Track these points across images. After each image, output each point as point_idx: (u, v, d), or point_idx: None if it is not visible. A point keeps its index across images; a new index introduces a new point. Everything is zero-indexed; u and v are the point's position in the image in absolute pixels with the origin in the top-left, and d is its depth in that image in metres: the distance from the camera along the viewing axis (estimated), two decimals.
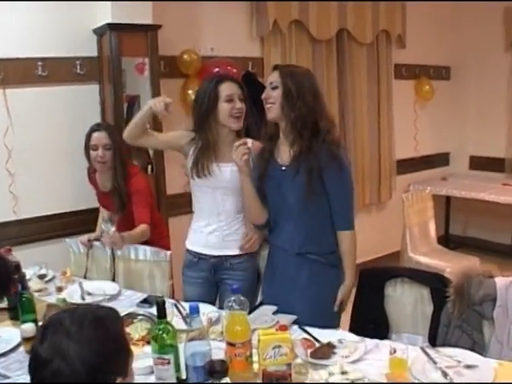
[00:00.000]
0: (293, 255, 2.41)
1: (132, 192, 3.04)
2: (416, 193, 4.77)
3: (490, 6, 5.54)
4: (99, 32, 3.52)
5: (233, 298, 1.83)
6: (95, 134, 3.04)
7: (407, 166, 5.74)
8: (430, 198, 4.76)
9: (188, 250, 2.74)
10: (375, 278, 2.53)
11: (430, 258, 4.46)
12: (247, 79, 4.13)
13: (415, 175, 5.84)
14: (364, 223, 5.19)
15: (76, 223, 3.55)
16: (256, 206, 2.47)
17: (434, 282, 2.36)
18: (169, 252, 2.90)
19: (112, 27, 3.39)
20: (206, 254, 2.67)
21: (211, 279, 2.70)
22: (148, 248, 2.96)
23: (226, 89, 2.52)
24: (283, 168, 2.39)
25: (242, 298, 1.85)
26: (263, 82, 4.24)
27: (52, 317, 1.31)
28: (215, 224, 2.63)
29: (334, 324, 2.36)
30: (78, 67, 3.51)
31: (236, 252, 2.64)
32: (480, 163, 6.00)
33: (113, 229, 2.86)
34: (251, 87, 4.05)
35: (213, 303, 2.65)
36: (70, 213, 3.58)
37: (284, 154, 2.42)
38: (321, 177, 2.30)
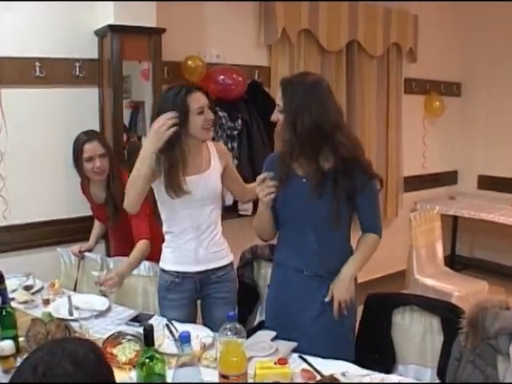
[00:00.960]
0: (310, 277, 2.28)
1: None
2: (424, 212, 4.68)
3: (503, 20, 5.48)
4: (100, 33, 3.45)
5: (228, 326, 1.69)
6: (87, 146, 2.95)
7: (414, 183, 5.69)
8: (438, 218, 4.68)
9: (166, 271, 2.56)
10: (382, 304, 2.41)
11: (436, 280, 4.35)
12: (253, 88, 4.09)
13: (422, 193, 5.78)
14: None
15: (69, 231, 3.46)
16: (270, 227, 2.39)
17: (446, 312, 2.23)
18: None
19: (114, 29, 3.32)
20: (190, 272, 2.52)
21: (195, 297, 2.59)
22: (144, 261, 2.86)
23: (197, 100, 2.38)
24: (304, 180, 2.25)
25: (237, 325, 1.71)
26: (269, 92, 4.19)
27: (27, 359, 1.16)
28: (196, 238, 2.51)
29: (347, 354, 2.20)
30: (78, 69, 3.44)
31: (222, 263, 2.56)
32: (489, 183, 5.92)
33: (104, 273, 2.69)
34: (257, 97, 4.07)
35: (194, 321, 2.55)
36: (63, 220, 3.49)
37: (304, 164, 2.27)
38: (354, 197, 2.22)
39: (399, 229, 5.23)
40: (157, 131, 2.28)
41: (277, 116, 2.25)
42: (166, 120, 2.28)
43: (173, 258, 2.54)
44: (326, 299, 2.23)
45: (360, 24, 4.79)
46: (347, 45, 4.77)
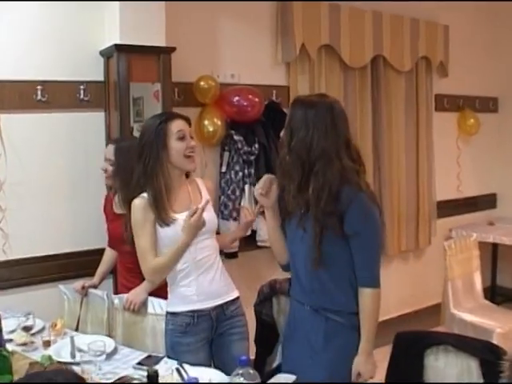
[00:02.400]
0: (309, 311, 2.32)
1: None
2: (460, 240, 4.59)
3: None
4: (106, 54, 3.47)
5: (241, 371, 1.65)
6: (108, 147, 3.12)
7: (449, 208, 5.63)
8: (475, 246, 4.58)
9: (178, 314, 2.56)
10: (414, 343, 2.34)
11: (475, 315, 4.24)
12: (270, 110, 4.10)
13: (458, 219, 5.72)
14: (399, 272, 5.10)
15: (73, 266, 3.45)
16: (280, 248, 2.49)
17: (485, 353, 2.15)
18: None
19: (120, 49, 3.34)
20: (205, 309, 2.54)
21: (211, 337, 2.59)
22: (152, 299, 2.85)
23: (177, 126, 2.51)
24: (302, 210, 2.29)
25: (251, 370, 1.67)
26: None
27: None
28: (205, 273, 2.54)
29: None
30: (82, 92, 3.45)
31: (233, 296, 2.62)
32: None
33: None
34: (275, 119, 4.06)
35: (210, 365, 2.56)
36: (67, 254, 3.47)
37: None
38: (341, 221, 2.20)
39: (433, 259, 5.19)
40: (196, 226, 2.41)
41: (282, 133, 2.33)
42: (200, 213, 2.39)
43: (186, 298, 2.55)
44: (353, 379, 2.25)
45: (385, 37, 4.78)
46: (372, 60, 4.76)
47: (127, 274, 3.12)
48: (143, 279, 2.81)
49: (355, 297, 2.28)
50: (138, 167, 2.49)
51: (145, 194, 2.47)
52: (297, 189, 2.24)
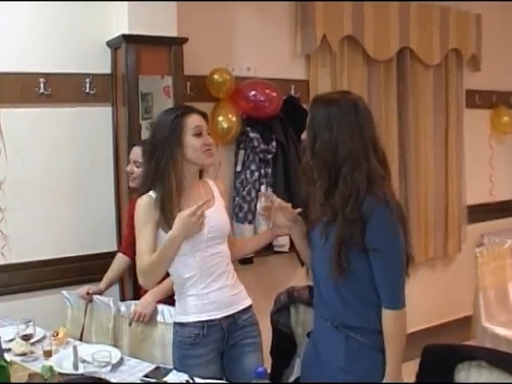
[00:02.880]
0: (329, 326, 2.28)
1: None
2: (492, 247, 4.56)
3: None
4: (113, 45, 3.48)
5: None
6: (133, 148, 3.15)
7: (480, 212, 5.58)
8: (509, 254, 4.55)
9: (187, 324, 2.52)
10: (443, 358, 2.30)
11: (509, 329, 4.17)
12: (289, 105, 4.10)
13: (490, 224, 5.67)
14: (426, 281, 5.08)
15: (77, 271, 3.46)
16: (308, 252, 2.44)
17: None
18: None
19: (128, 39, 3.34)
20: (216, 319, 2.51)
21: (222, 349, 2.56)
22: (161, 306, 2.85)
23: (193, 120, 2.48)
24: (327, 219, 2.25)
25: (267, 382, 1.64)
26: (308, 109, 4.15)
27: None
28: (214, 281, 2.52)
29: None
30: (88, 86, 3.46)
31: (246, 304, 2.60)
32: None
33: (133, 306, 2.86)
34: (294, 115, 4.05)
35: (222, 377, 2.54)
36: (70, 258, 3.48)
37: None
38: (363, 232, 2.15)
39: (463, 267, 5.16)
40: (191, 228, 2.31)
41: (304, 135, 2.30)
42: (201, 213, 2.32)
43: (195, 308, 2.52)
44: None
45: (412, 28, 4.76)
46: (398, 53, 4.75)
47: None
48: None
49: (379, 314, 2.23)
50: (150, 165, 2.46)
51: (152, 193, 2.44)
52: (324, 195, 2.21)
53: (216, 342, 2.52)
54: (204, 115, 2.55)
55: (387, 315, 2.21)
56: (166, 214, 2.41)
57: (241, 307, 2.56)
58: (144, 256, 2.39)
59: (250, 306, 2.62)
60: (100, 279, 3.24)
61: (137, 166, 3.08)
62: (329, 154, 2.16)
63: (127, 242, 3.16)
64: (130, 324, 2.87)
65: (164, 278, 2.74)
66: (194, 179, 2.53)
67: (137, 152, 3.09)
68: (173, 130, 2.42)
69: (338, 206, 2.17)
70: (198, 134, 2.46)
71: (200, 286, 2.50)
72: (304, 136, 2.29)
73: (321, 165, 2.19)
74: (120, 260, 3.22)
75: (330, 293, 2.27)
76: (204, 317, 2.50)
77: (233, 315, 2.54)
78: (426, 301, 4.92)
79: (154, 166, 2.43)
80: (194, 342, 2.50)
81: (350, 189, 2.14)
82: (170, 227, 2.37)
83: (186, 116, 2.46)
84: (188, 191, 2.49)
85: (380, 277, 2.19)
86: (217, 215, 2.50)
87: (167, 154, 2.41)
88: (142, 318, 2.83)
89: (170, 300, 2.81)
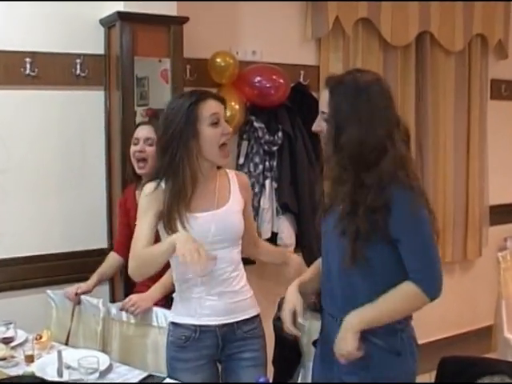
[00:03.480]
0: (340, 325, 2.25)
1: None
2: None
3: None
4: (107, 23, 3.48)
5: None
6: (139, 128, 3.16)
7: (504, 213, 5.59)
8: None
9: (180, 325, 2.53)
10: (462, 371, 2.34)
11: None
12: (297, 93, 4.13)
13: None
14: (444, 287, 4.98)
15: (64, 269, 3.46)
16: None
17: None
18: None
19: (124, 17, 3.33)
20: (211, 325, 2.50)
21: (216, 357, 2.55)
22: (156, 309, 2.84)
23: (210, 108, 2.40)
24: (344, 207, 2.24)
25: None
26: (318, 98, 4.14)
27: None
28: (215, 287, 2.49)
29: None
30: (79, 67, 3.46)
31: (248, 314, 2.55)
32: None
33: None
34: (302, 104, 4.04)
35: None
36: (56, 255, 3.48)
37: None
38: (385, 221, 2.12)
39: (484, 272, 5.17)
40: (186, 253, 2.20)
41: (320, 125, 2.24)
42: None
43: (191, 310, 2.52)
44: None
45: (434, 11, 4.75)
46: (417, 37, 4.74)
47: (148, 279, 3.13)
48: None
49: None
50: (163, 159, 2.40)
51: (162, 184, 2.41)
52: (351, 189, 2.18)
53: (208, 348, 2.51)
54: (222, 100, 2.49)
55: (406, 286, 2.14)
56: (171, 211, 2.38)
57: (242, 317, 2.53)
58: (138, 243, 2.38)
59: (255, 317, 2.59)
60: (87, 278, 3.23)
61: (150, 145, 3.04)
62: (357, 148, 2.12)
63: (120, 241, 3.16)
64: (120, 309, 2.84)
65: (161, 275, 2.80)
66: (210, 172, 2.47)
67: (146, 129, 3.10)
68: (187, 120, 2.35)
69: (359, 198, 2.14)
70: (215, 123, 2.40)
71: (199, 289, 2.48)
72: (318, 128, 2.24)
73: (346, 159, 2.15)
74: (113, 258, 3.21)
75: (342, 286, 2.26)
76: (198, 321, 2.49)
77: (231, 324, 2.51)
78: (442, 308, 4.87)
79: (168, 159, 2.38)
80: (184, 344, 2.50)
81: (375, 179, 2.12)
82: (171, 225, 2.37)
83: (201, 103, 2.38)
84: (203, 185, 2.45)
85: (412, 260, 2.15)
86: (226, 217, 2.46)
87: (182, 147, 2.35)
88: (134, 308, 2.78)
89: (165, 301, 2.85)
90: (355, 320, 2.16)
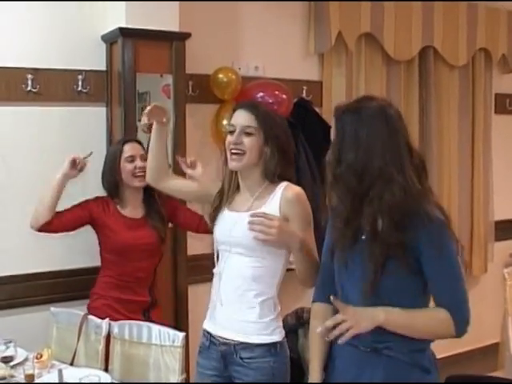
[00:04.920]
0: (365, 352, 2.18)
1: (174, 207, 3.34)
2: None
3: None
4: (109, 39, 3.49)
5: None
6: (128, 146, 3.24)
7: (509, 229, 5.58)
8: None
9: (203, 330, 2.64)
10: None
11: None
12: (300, 109, 4.13)
13: None
14: None
15: (65, 286, 3.47)
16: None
17: None
18: (182, 334, 2.76)
19: (126, 33, 3.35)
20: (215, 337, 2.54)
21: (224, 373, 2.54)
22: (155, 327, 2.84)
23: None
24: (363, 237, 2.18)
25: None
26: (321, 113, 4.15)
27: None
28: (224, 293, 2.52)
29: None
30: (80, 83, 3.47)
31: (248, 340, 2.46)
32: None
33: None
34: (305, 119, 4.04)
35: None
36: (58, 272, 3.48)
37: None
38: (405, 250, 2.09)
39: (489, 289, 5.13)
40: None
41: (328, 155, 2.22)
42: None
43: (208, 311, 2.61)
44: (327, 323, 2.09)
45: (437, 25, 4.76)
46: (420, 52, 4.75)
47: (136, 284, 3.23)
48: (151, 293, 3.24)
49: None
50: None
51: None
52: (344, 222, 2.16)
53: (216, 361, 2.52)
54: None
55: (443, 313, 2.11)
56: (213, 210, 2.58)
57: (242, 339, 2.46)
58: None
59: (259, 346, 2.47)
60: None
61: (144, 159, 3.10)
62: (354, 179, 2.09)
63: (62, 215, 3.16)
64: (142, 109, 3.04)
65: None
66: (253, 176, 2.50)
67: (137, 147, 3.24)
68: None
69: (365, 228, 2.12)
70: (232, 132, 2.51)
71: (215, 290, 2.55)
72: (328, 157, 2.20)
73: (343, 190, 2.14)
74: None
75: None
76: (205, 325, 2.59)
77: (232, 345, 2.48)
78: None
79: None
80: (201, 349, 2.61)
81: (377, 211, 2.09)
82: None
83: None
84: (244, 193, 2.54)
85: (446, 299, 2.12)
86: (244, 224, 2.37)
87: None
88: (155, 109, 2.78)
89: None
90: (382, 318, 2.09)
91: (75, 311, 3.10)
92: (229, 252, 2.49)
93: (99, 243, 3.25)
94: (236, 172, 2.51)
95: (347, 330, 2.02)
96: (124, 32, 3.33)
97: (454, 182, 5.06)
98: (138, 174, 3.17)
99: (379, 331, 2.13)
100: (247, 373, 2.46)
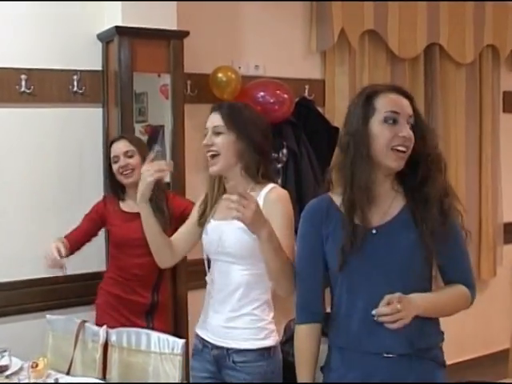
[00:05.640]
0: (398, 360, 2.16)
1: (181, 210, 3.21)
2: None
3: None
4: (105, 38, 3.49)
5: None
6: (113, 146, 3.28)
7: None
8: None
9: (195, 333, 2.71)
10: None
11: None
12: (302, 108, 4.13)
13: None
14: None
15: (62, 293, 3.48)
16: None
17: None
18: (182, 341, 2.75)
19: (122, 32, 3.35)
20: (208, 342, 2.58)
21: (218, 376, 2.57)
22: (154, 334, 2.84)
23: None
24: (373, 231, 2.17)
25: None
26: (323, 113, 4.16)
27: None
28: (216, 300, 2.57)
29: None
30: (76, 84, 3.47)
31: (240, 346, 2.49)
32: None
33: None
34: (307, 119, 4.05)
35: None
36: (54, 278, 3.44)
37: (377, 209, 2.20)
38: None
39: (499, 293, 5.13)
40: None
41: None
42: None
43: (200, 318, 2.66)
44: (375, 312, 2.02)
45: (443, 22, 4.75)
46: (426, 50, 4.75)
47: (136, 283, 3.26)
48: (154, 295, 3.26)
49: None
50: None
51: None
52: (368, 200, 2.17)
53: (209, 363, 2.57)
54: None
55: (463, 290, 2.19)
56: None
57: (235, 345, 2.49)
58: None
59: (251, 351, 2.49)
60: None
61: (129, 156, 3.21)
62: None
63: (75, 234, 3.25)
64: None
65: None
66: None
67: (121, 144, 3.24)
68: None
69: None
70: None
71: (209, 297, 2.61)
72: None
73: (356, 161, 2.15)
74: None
75: None
76: (200, 332, 2.62)
77: (224, 349, 2.51)
78: (456, 332, 4.79)
79: None
80: (194, 352, 2.66)
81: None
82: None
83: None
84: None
85: (456, 256, 2.21)
86: (229, 231, 2.44)
87: None
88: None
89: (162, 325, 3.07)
90: (422, 306, 2.06)
91: (72, 318, 3.08)
92: (220, 261, 2.54)
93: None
94: (220, 177, 2.54)
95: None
96: (120, 30, 3.33)
97: (461, 183, 5.04)
98: (124, 173, 3.22)
99: (412, 335, 2.11)
100: (240, 377, 2.49)
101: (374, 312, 1.97)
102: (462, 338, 4.96)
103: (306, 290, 2.27)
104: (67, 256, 3.08)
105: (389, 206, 2.19)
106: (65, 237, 3.20)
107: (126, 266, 3.24)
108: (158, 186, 3.09)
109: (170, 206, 3.27)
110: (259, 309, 2.51)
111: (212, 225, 2.55)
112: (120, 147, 3.23)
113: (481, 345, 5.12)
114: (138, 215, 3.19)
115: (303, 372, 2.26)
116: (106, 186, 3.41)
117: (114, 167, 3.24)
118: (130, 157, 3.21)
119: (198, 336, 2.64)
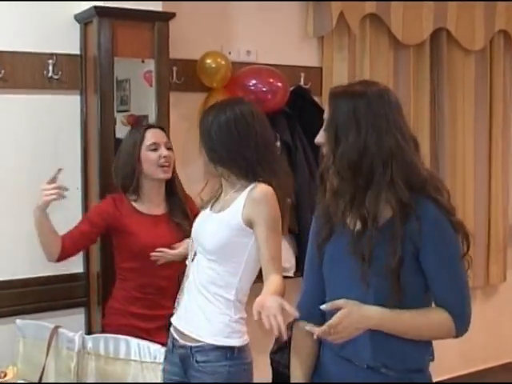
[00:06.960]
0: (362, 369, 2.20)
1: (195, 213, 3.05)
2: None
3: None
4: (83, 19, 3.48)
5: None
6: (150, 132, 3.19)
7: None
8: None
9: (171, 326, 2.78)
10: None
11: None
12: (297, 98, 4.15)
13: None
14: None
15: (34, 296, 3.47)
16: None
17: None
18: (164, 349, 2.76)
19: (102, 12, 3.33)
20: (175, 338, 2.65)
21: (184, 379, 2.62)
22: (133, 341, 2.86)
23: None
24: (356, 228, 2.20)
25: None
26: (320, 103, 4.15)
27: None
28: (186, 292, 2.67)
29: None
30: (51, 68, 3.46)
31: (202, 339, 2.55)
32: None
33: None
34: (302, 109, 4.05)
35: None
36: (24, 280, 3.47)
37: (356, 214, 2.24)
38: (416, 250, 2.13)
39: (509, 299, 5.18)
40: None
41: (322, 137, 2.24)
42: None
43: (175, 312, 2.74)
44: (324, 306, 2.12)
45: (450, 5, 4.77)
46: (432, 35, 4.76)
47: (160, 296, 3.14)
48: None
49: (425, 348, 2.23)
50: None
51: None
52: (349, 203, 2.18)
53: (177, 366, 2.62)
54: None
55: (442, 315, 2.16)
56: None
57: (196, 337, 2.55)
58: None
59: (213, 349, 2.55)
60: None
61: (169, 148, 3.18)
62: (357, 158, 2.12)
63: (74, 234, 3.14)
64: None
65: None
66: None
67: (161, 134, 3.21)
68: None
69: (371, 214, 2.14)
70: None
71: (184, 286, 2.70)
72: (321, 139, 2.25)
73: (345, 170, 2.15)
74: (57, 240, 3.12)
75: None
76: (172, 320, 2.68)
77: (187, 347, 2.56)
78: (463, 341, 4.74)
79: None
80: (166, 353, 2.71)
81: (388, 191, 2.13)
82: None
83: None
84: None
85: (447, 296, 2.17)
86: (206, 223, 2.61)
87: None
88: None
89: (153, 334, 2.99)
90: (375, 320, 2.11)
91: (44, 324, 3.11)
92: (197, 250, 2.64)
93: (115, 251, 3.20)
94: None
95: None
96: (100, 11, 3.32)
97: (469, 182, 5.08)
98: (164, 164, 3.12)
99: (377, 347, 2.17)
100: (202, 378, 2.53)
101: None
102: (469, 348, 4.96)
103: (308, 290, 2.35)
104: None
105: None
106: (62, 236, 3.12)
107: (150, 280, 3.11)
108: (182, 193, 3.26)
109: (190, 209, 3.22)
110: (223, 305, 2.56)
111: (203, 213, 2.67)
112: (161, 136, 3.19)
113: (490, 355, 5.14)
114: (163, 218, 3.20)
115: (297, 374, 2.34)
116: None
117: (152, 156, 3.12)
118: (169, 149, 3.17)
119: (171, 333, 2.67)
